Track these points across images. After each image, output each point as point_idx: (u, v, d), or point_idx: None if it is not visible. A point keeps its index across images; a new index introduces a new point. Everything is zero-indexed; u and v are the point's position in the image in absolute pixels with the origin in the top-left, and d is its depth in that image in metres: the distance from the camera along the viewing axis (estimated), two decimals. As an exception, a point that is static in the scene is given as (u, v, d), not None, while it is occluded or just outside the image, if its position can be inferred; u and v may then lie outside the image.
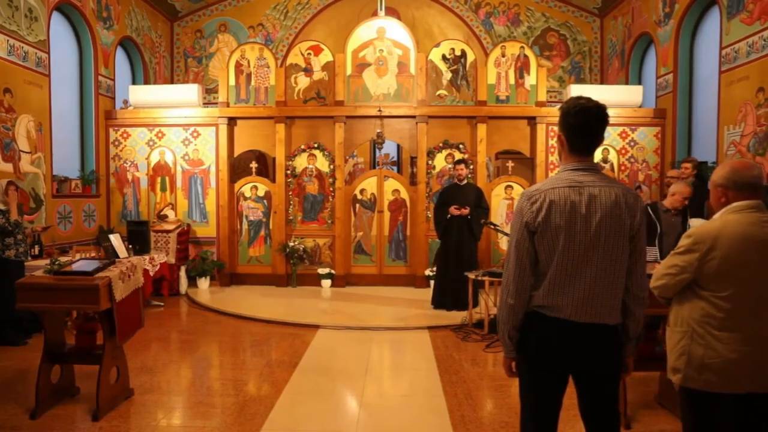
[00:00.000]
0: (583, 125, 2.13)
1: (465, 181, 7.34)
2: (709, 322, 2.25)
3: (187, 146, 8.89)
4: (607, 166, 8.68)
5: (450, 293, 7.05)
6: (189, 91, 9.04)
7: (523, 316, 2.18)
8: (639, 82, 9.80)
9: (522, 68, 8.75)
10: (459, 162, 7.47)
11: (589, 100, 2.14)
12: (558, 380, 2.19)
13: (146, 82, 10.30)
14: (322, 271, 8.65)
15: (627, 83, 9.96)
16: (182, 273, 8.38)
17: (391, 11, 10.35)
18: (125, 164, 8.93)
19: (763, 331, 2.23)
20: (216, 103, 9.69)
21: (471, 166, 8.57)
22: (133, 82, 10.14)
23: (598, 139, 2.16)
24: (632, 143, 8.74)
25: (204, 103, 9.83)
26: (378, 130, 8.67)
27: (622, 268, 2.12)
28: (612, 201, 2.08)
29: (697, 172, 6.71)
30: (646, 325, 4.11)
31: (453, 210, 7.01)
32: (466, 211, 6.99)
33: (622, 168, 8.73)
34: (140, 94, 9.07)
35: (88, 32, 8.51)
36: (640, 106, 8.84)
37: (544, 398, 2.21)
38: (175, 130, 8.90)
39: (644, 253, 2.18)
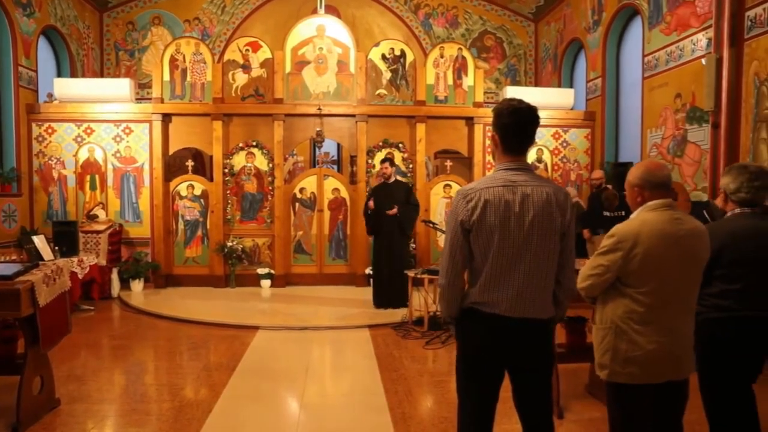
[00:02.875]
0: (516, 125, 2.20)
1: (393, 179, 7.39)
2: (631, 317, 2.36)
3: (118, 143, 8.51)
4: (541, 165, 8.99)
5: (384, 291, 7.10)
6: (120, 86, 8.67)
7: (458, 309, 2.26)
8: (570, 86, 10.21)
9: (460, 69, 8.92)
10: (384, 161, 7.52)
11: (521, 101, 2.22)
12: (495, 374, 2.27)
13: (73, 75, 9.77)
14: (261, 271, 8.50)
15: (560, 86, 10.35)
16: (114, 275, 8.02)
17: (331, 9, 10.29)
18: (50, 161, 8.43)
19: (677, 322, 2.38)
20: (149, 99, 9.34)
21: (411, 165, 8.64)
22: (59, 75, 9.58)
23: (530, 139, 2.24)
24: (564, 144, 9.09)
25: (137, 99, 9.43)
26: (317, 129, 8.61)
27: (554, 264, 2.21)
28: (544, 200, 2.15)
29: (618, 172, 7.20)
30: (575, 318, 4.31)
31: (387, 212, 7.06)
32: (393, 211, 7.05)
33: (555, 168, 9.06)
34: (67, 87, 8.60)
35: (5, 18, 7.94)
36: (571, 109, 9.22)
37: (481, 392, 2.28)
38: (105, 126, 8.49)
39: (574, 249, 2.29)
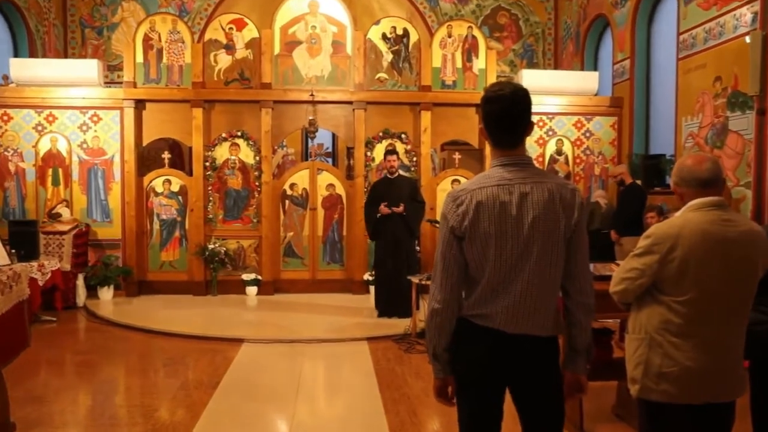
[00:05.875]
0: (501, 115, 2.11)
1: (396, 174, 7.40)
2: (667, 328, 2.33)
3: (85, 132, 8.50)
4: (561, 158, 8.96)
5: (391, 299, 7.10)
6: (87, 68, 8.67)
7: (449, 337, 2.17)
8: (595, 68, 10.19)
9: (470, 50, 8.90)
10: (392, 152, 7.57)
11: (506, 84, 2.15)
12: (492, 393, 2.19)
13: (32, 55, 9.78)
14: (246, 276, 8.50)
15: (582, 69, 10.32)
16: (80, 282, 8.02)
17: (325, -18, 10.26)
18: (6, 152, 8.41)
19: (721, 338, 2.33)
20: (120, 83, 9.33)
21: (415, 158, 8.64)
22: (16, 55, 9.60)
23: (521, 129, 2.14)
24: (588, 134, 9.06)
25: (106, 83, 9.43)
26: (310, 117, 8.60)
27: (558, 274, 2.13)
28: (545, 199, 2.07)
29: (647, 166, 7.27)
30: (600, 330, 4.27)
31: (383, 209, 7.05)
32: (400, 209, 7.05)
33: (577, 161, 9.04)
34: (25, 69, 8.60)
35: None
36: (595, 94, 9.19)
37: (480, 413, 2.20)
38: (69, 113, 8.49)
39: (586, 255, 2.18)
